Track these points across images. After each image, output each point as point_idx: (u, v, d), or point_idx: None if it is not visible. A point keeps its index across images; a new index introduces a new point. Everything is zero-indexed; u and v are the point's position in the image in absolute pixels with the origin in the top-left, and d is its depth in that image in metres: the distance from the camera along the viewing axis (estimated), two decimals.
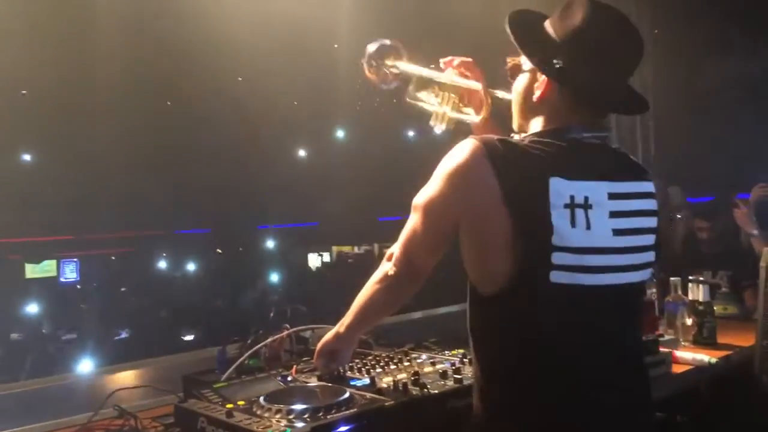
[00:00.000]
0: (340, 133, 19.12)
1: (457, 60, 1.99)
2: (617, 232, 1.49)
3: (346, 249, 15.72)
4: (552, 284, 1.43)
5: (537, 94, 1.57)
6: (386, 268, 1.72)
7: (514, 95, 1.69)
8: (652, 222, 1.57)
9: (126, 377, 2.24)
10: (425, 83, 2.05)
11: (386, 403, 1.75)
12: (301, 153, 19.83)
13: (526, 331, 1.48)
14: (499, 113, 1.84)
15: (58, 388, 2.20)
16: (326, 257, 17.05)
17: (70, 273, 16.40)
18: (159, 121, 15.85)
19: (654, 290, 2.97)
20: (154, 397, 2.19)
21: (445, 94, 1.99)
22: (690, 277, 2.92)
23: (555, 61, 1.50)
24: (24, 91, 14.82)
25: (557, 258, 1.42)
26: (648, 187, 1.60)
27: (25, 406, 2.11)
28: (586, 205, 1.45)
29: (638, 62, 1.56)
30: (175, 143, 17.06)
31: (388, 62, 2.10)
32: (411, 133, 17.15)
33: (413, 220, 1.62)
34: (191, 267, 14.88)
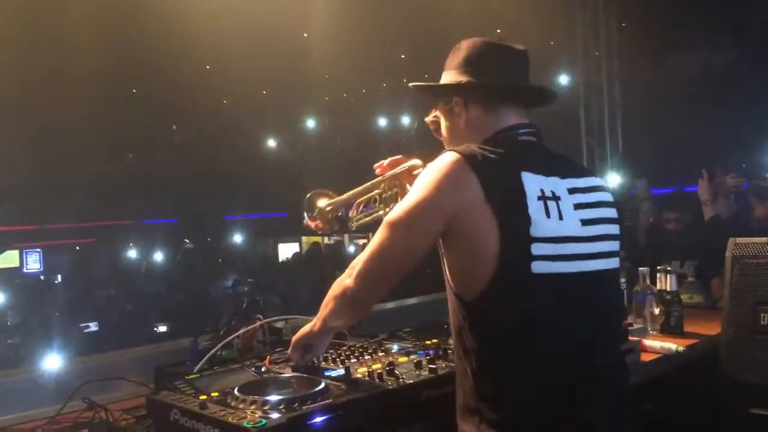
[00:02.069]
0: (310, 123, 19.03)
1: (386, 161, 2.05)
2: (584, 222, 1.58)
3: (317, 240, 15.67)
4: (533, 274, 1.48)
5: (462, 119, 1.73)
6: (347, 283, 1.69)
7: (447, 143, 1.80)
8: (612, 213, 1.67)
9: (96, 369, 2.20)
10: (365, 201, 2.09)
11: (361, 394, 1.76)
12: (270, 143, 19.70)
13: (510, 325, 1.51)
14: None
15: (26, 380, 2.16)
16: (296, 248, 16.97)
17: (33, 263, 16.09)
18: (124, 110, 15.59)
19: (623, 280, 3.02)
20: (125, 390, 2.16)
21: (388, 194, 2.03)
22: (658, 267, 2.96)
23: (461, 81, 1.70)
24: None
25: (536, 249, 1.48)
26: (597, 181, 1.70)
27: None
28: (555, 197, 1.55)
29: (527, 65, 1.74)
30: (140, 132, 16.81)
31: (322, 205, 2.17)
32: (381, 124, 17.15)
33: (385, 236, 1.60)
34: (159, 257, 14.70)
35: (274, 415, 1.59)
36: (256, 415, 1.59)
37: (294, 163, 18.61)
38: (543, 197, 1.52)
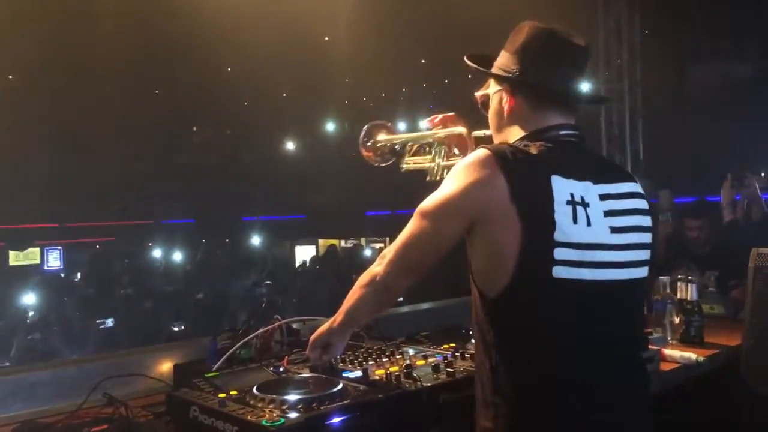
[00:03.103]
0: (329, 126, 19.08)
1: (439, 117, 2.13)
2: (614, 230, 1.56)
3: (333, 242, 15.68)
4: (554, 279, 1.47)
5: (506, 108, 1.71)
6: (377, 269, 1.72)
7: (491, 121, 1.80)
8: (645, 221, 1.65)
9: (116, 365, 2.22)
10: (418, 146, 2.20)
11: (379, 396, 1.76)
12: (290, 145, 19.78)
13: (529, 328, 1.51)
14: None
15: (48, 375, 2.18)
16: (313, 250, 17.01)
17: (54, 261, 16.26)
18: (146, 110, 15.73)
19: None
20: (145, 386, 2.18)
21: (435, 149, 2.12)
22: (679, 276, 2.94)
23: (512, 71, 1.68)
24: (10, 76, 14.69)
25: (559, 253, 1.48)
26: (635, 187, 1.67)
27: (13, 392, 2.09)
28: (584, 203, 1.53)
29: (584, 62, 1.70)
30: (162, 132, 16.95)
31: (380, 138, 2.25)
32: (401, 128, 17.14)
33: (416, 225, 1.63)
34: (178, 257, 14.79)
35: (293, 415, 1.60)
36: (275, 414, 1.60)
37: (312, 166, 18.66)
38: (572, 202, 1.51)
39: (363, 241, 17.81)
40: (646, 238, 1.64)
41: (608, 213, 1.56)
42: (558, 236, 1.47)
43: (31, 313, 7.67)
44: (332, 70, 14.69)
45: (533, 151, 1.56)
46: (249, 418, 1.59)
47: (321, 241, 17.46)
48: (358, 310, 1.79)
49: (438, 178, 2.06)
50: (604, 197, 1.57)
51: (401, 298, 3.84)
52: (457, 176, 1.57)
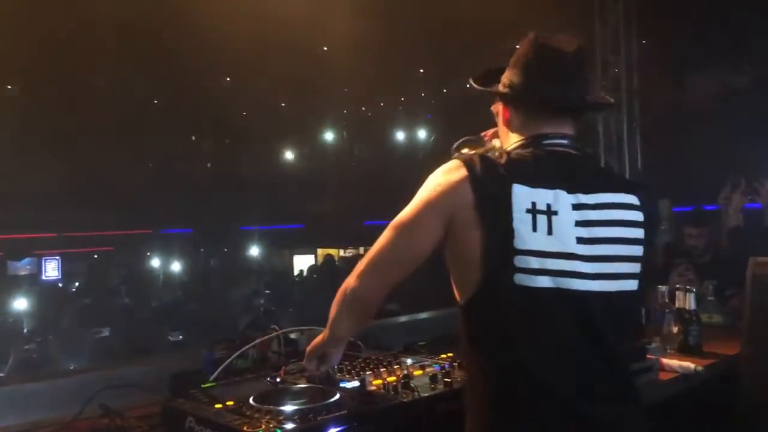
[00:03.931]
0: (327, 136, 19.11)
1: (491, 131, 2.05)
2: (581, 240, 1.54)
3: (331, 252, 15.67)
4: (516, 286, 1.49)
5: (501, 120, 1.79)
6: (349, 283, 1.70)
7: (499, 132, 1.86)
8: (634, 233, 1.61)
9: (112, 376, 2.21)
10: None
11: (376, 406, 1.75)
12: (288, 155, 19.80)
13: (494, 334, 1.54)
14: None
15: (43, 385, 2.17)
16: (312, 259, 16.99)
17: (52, 271, 16.22)
18: (145, 120, 15.76)
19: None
20: (141, 397, 2.17)
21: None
22: (677, 286, 2.93)
23: (502, 85, 1.74)
24: (9, 86, 14.70)
25: (519, 261, 1.50)
26: (629, 198, 1.63)
27: (8, 403, 2.08)
28: (549, 212, 1.53)
29: (576, 67, 1.70)
30: (160, 142, 16.98)
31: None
32: (399, 138, 17.19)
33: (387, 237, 1.64)
34: (176, 267, 14.77)
35: (289, 426, 1.59)
36: (271, 425, 1.59)
37: (311, 176, 18.68)
38: (533, 210, 1.51)
39: (362, 250, 17.80)
40: (635, 250, 1.60)
41: (580, 223, 1.55)
42: (517, 244, 1.49)
43: (26, 325, 7.64)
44: (330, 80, 14.74)
45: (502, 161, 1.59)
46: (245, 429, 1.58)
47: (320, 251, 17.46)
48: (338, 325, 1.77)
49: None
50: (577, 207, 1.55)
51: (398, 308, 3.84)
52: (428, 184, 1.61)
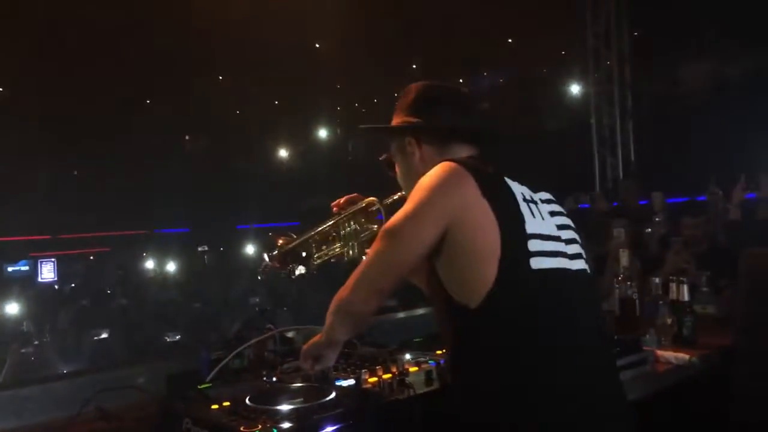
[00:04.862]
0: (321, 133, 19.09)
1: (343, 198, 2.09)
2: (559, 227, 1.66)
3: None
4: (533, 270, 1.52)
5: (417, 156, 1.79)
6: (344, 295, 1.68)
7: (402, 180, 1.88)
8: (571, 222, 1.74)
9: (109, 378, 2.22)
10: (323, 239, 2.11)
11: (371, 404, 1.76)
12: (282, 152, 19.77)
13: (516, 329, 1.51)
14: None
15: (41, 388, 2.17)
16: None
17: (48, 273, 16.19)
18: (138, 120, 15.72)
19: (635, 289, 3.01)
20: (138, 398, 2.17)
21: (347, 230, 2.05)
22: (671, 277, 2.94)
23: (412, 121, 1.79)
24: (0, 89, 14.65)
25: (533, 245, 1.54)
26: (552, 195, 1.75)
27: (5, 406, 2.08)
28: (534, 201, 1.63)
29: (475, 105, 1.86)
30: (154, 142, 16.93)
31: (280, 248, 2.12)
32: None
33: (379, 246, 1.61)
34: (172, 266, 14.74)
35: (285, 425, 1.60)
36: (268, 425, 1.60)
37: (306, 173, 18.65)
38: (526, 200, 1.60)
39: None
40: (578, 236, 1.73)
41: (551, 213, 1.66)
42: (529, 228, 1.54)
43: (22, 328, 7.62)
44: (323, 77, 14.73)
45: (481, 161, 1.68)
46: (242, 429, 1.59)
47: None
48: (334, 331, 1.75)
49: (356, 253, 2.02)
50: (542, 201, 1.67)
51: (396, 304, 3.84)
52: (423, 187, 1.59)
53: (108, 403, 2.05)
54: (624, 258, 3.12)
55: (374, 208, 2.01)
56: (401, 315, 3.37)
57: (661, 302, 2.87)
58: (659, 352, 2.55)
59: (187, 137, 19.60)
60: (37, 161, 14.55)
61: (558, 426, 1.48)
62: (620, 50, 7.97)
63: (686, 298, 2.85)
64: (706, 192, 4.97)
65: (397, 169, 1.88)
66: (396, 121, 1.84)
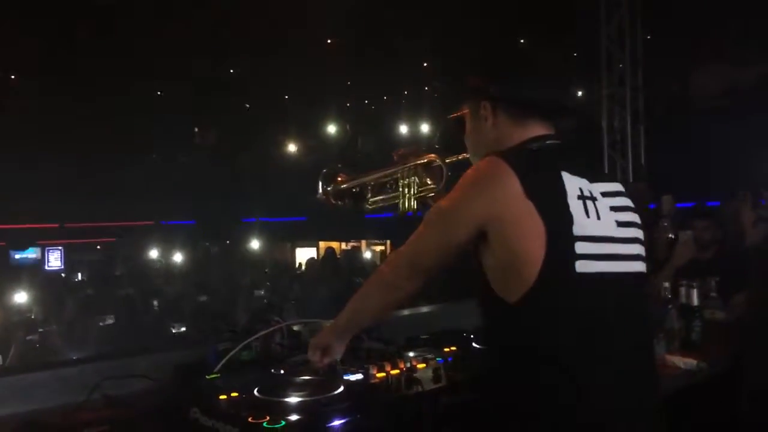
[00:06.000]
0: (330, 129, 19.09)
1: (405, 149, 2.08)
2: (619, 224, 1.58)
3: (332, 245, 15.67)
4: (578, 274, 1.47)
5: (489, 122, 1.71)
6: (386, 269, 1.71)
7: (469, 142, 1.81)
8: (636, 218, 1.67)
9: (116, 366, 2.22)
10: (380, 185, 2.13)
11: (379, 399, 1.76)
12: (291, 147, 19.78)
13: (554, 326, 1.48)
14: None
15: (48, 375, 2.17)
16: (314, 252, 17.00)
17: (55, 261, 16.28)
18: (147, 112, 15.77)
19: None
20: (145, 387, 2.17)
21: (404, 181, 2.03)
22: (680, 281, 2.93)
23: (492, 88, 1.71)
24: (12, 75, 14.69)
25: (580, 247, 1.48)
26: (621, 187, 1.69)
27: (12, 392, 2.08)
28: (593, 197, 1.55)
29: (560, 72, 1.77)
30: (162, 134, 16.99)
31: (338, 184, 2.19)
32: (402, 131, 17.18)
33: (426, 226, 1.63)
34: (177, 258, 14.79)
35: (293, 417, 1.60)
36: (276, 416, 1.60)
37: (314, 169, 18.64)
38: (582, 197, 1.53)
39: (364, 243, 17.81)
40: (642, 234, 1.66)
41: (612, 208, 1.59)
42: (576, 230, 1.49)
43: (30, 313, 7.65)
44: (334, 73, 14.72)
45: (537, 150, 1.60)
46: (250, 420, 1.59)
47: (321, 243, 17.47)
48: (363, 308, 1.76)
49: (409, 209, 2.01)
50: (604, 194, 1.59)
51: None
52: (468, 180, 1.58)
53: (115, 390, 2.05)
54: None
55: (436, 164, 1.98)
56: (409, 312, 3.37)
57: (669, 306, 2.86)
58: (667, 357, 2.54)
59: (195, 129, 19.64)
60: (45, 150, 14.61)
61: (590, 426, 1.47)
62: (633, 52, 7.93)
63: (695, 302, 2.84)
64: (729, 202, 4.79)
65: (467, 131, 1.80)
66: (474, 76, 1.76)
